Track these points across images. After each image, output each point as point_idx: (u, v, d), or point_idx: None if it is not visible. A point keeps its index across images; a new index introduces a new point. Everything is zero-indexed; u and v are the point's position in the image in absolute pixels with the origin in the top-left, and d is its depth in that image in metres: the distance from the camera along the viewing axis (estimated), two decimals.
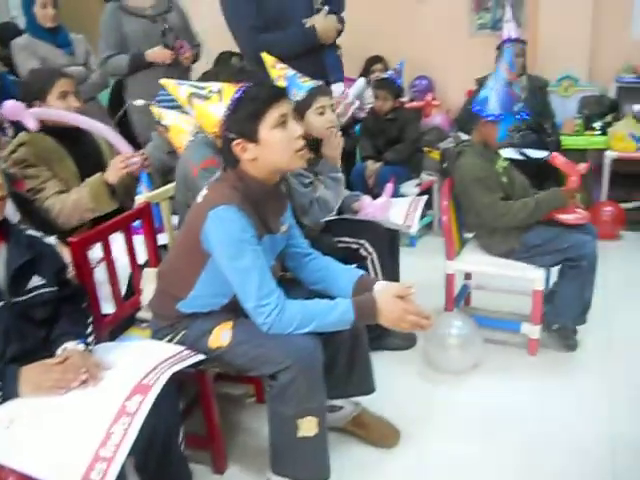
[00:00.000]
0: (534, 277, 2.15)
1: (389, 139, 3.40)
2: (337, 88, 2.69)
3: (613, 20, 3.65)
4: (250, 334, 1.43)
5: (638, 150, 3.27)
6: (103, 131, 1.98)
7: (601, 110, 3.48)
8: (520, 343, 2.29)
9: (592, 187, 3.49)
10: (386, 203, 2.17)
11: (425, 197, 2.44)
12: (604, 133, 3.41)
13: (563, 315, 2.20)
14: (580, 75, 3.64)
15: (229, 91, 1.44)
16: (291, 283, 1.64)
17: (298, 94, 1.92)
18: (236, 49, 2.83)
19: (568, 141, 3.43)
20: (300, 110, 1.90)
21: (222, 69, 1.94)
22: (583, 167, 2.19)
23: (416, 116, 3.72)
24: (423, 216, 3.26)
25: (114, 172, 1.90)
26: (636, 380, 2.06)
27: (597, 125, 3.44)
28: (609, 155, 3.32)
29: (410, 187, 3.32)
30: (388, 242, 2.17)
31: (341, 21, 2.65)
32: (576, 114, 3.51)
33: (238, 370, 1.52)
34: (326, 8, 2.55)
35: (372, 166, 3.32)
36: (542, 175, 2.69)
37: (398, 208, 2.24)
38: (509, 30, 3.23)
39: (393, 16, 4.10)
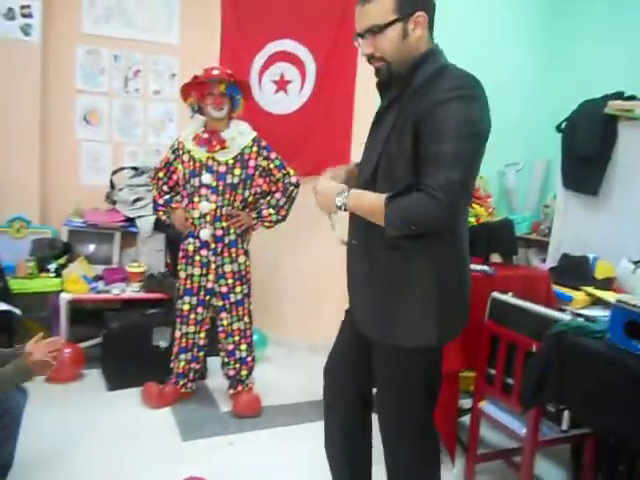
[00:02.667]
0: None
1: None
2: None
3: (62, 168, 3.87)
4: None
5: (91, 291, 3.43)
6: None
7: (55, 252, 3.54)
8: None
9: (54, 329, 3.46)
10: None
11: None
12: (59, 275, 3.46)
13: None
14: (32, 217, 3.65)
15: None
16: None
17: None
18: None
19: (22, 285, 3.32)
20: None
21: None
22: None
23: None
24: None
25: None
26: None
27: (52, 267, 3.47)
28: (64, 297, 3.36)
29: None
30: None
31: None
32: (29, 257, 3.46)
33: None
34: None
35: None
36: None
37: None
38: None
39: None
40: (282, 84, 3.84)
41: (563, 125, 3.52)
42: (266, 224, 3.01)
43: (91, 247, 3.72)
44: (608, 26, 3.84)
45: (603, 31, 3.88)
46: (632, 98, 3.25)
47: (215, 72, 2.84)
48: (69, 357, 3.28)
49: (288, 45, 3.77)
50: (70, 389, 3.19)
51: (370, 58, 1.61)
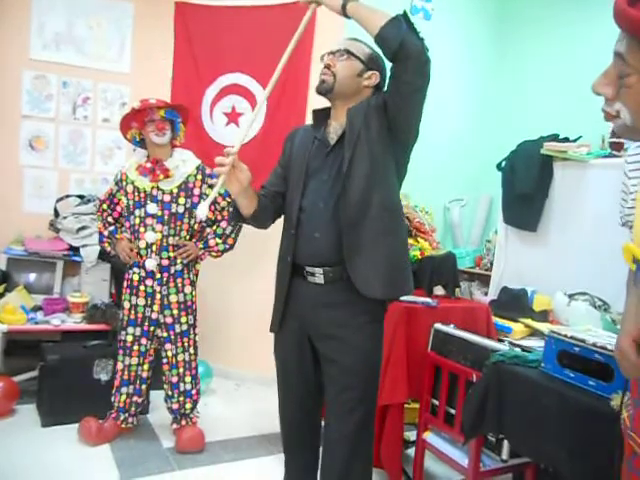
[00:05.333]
0: None
1: None
2: None
3: (4, 194, 3.77)
4: None
5: (29, 321, 3.30)
6: None
7: None
8: None
9: None
10: None
11: None
12: None
13: None
14: None
15: None
16: None
17: None
18: None
19: None
20: None
21: None
22: None
23: None
24: None
25: None
26: None
27: None
28: (0, 329, 3.22)
29: None
30: None
31: None
32: None
33: None
34: None
35: None
36: None
37: None
38: None
39: None
40: (233, 116, 3.88)
41: (503, 164, 3.69)
42: (213, 254, 2.99)
43: (31, 276, 3.59)
44: (544, 76, 4.09)
45: (540, 80, 4.13)
46: (566, 140, 3.45)
47: (152, 100, 2.85)
48: (1, 391, 3.12)
49: (240, 79, 3.82)
50: (4, 425, 3.03)
51: (326, 67, 1.90)
